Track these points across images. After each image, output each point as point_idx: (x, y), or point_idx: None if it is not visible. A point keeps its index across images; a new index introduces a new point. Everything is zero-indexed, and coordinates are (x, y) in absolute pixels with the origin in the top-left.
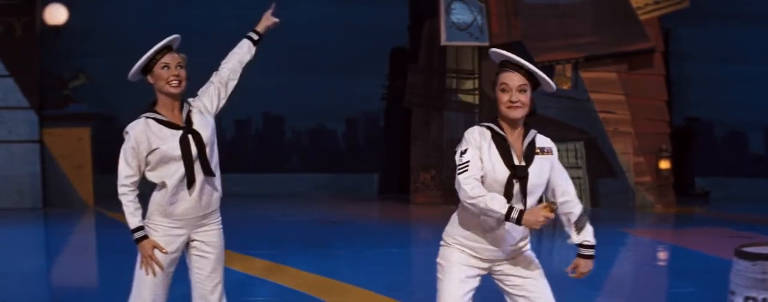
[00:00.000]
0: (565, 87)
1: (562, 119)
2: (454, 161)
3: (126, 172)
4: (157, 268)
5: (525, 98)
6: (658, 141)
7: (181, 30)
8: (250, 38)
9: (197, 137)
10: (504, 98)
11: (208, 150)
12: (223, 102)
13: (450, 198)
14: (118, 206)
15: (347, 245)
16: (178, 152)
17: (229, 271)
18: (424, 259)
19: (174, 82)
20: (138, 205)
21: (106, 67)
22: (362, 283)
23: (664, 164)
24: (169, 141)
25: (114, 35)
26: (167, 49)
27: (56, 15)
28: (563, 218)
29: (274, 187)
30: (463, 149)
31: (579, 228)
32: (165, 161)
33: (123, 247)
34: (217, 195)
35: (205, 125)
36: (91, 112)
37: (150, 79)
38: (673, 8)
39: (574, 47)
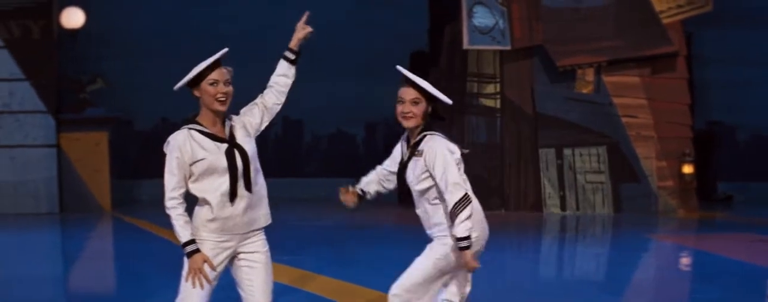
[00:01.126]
0: (585, 91)
1: (584, 123)
2: (475, 164)
3: (172, 184)
4: (204, 281)
5: (417, 109)
6: (681, 145)
7: (200, 34)
8: (286, 58)
9: (242, 152)
10: (398, 109)
11: (252, 166)
12: (264, 125)
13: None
14: (136, 211)
15: (369, 250)
16: (224, 164)
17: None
18: None
19: (222, 98)
20: (187, 218)
21: (124, 70)
22: (386, 289)
23: (687, 169)
24: (215, 153)
25: (131, 39)
26: (216, 63)
27: (73, 18)
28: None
29: (293, 191)
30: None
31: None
32: (209, 173)
33: (141, 253)
34: (263, 213)
35: (247, 142)
36: (108, 116)
37: (196, 92)
38: (695, 12)
39: (596, 51)
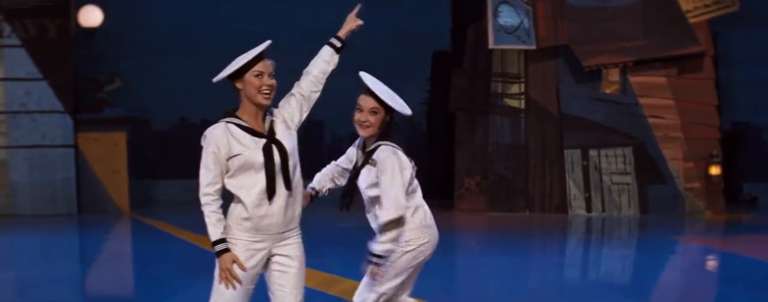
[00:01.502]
0: (610, 91)
1: (610, 124)
2: (499, 165)
3: (208, 179)
4: (236, 284)
5: (374, 118)
6: (708, 146)
7: (219, 32)
8: (331, 45)
9: (281, 148)
10: (356, 116)
11: (291, 162)
12: (305, 115)
13: (496, 205)
14: (154, 212)
15: None
16: (260, 160)
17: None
18: (471, 268)
19: (266, 91)
20: (221, 216)
21: (142, 70)
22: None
23: (715, 170)
24: (252, 148)
25: (149, 37)
26: (261, 55)
27: (91, 17)
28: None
29: None
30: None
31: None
32: (245, 169)
33: (160, 255)
34: (299, 211)
35: (288, 137)
36: (126, 116)
37: (238, 84)
38: (722, 11)
39: (622, 51)
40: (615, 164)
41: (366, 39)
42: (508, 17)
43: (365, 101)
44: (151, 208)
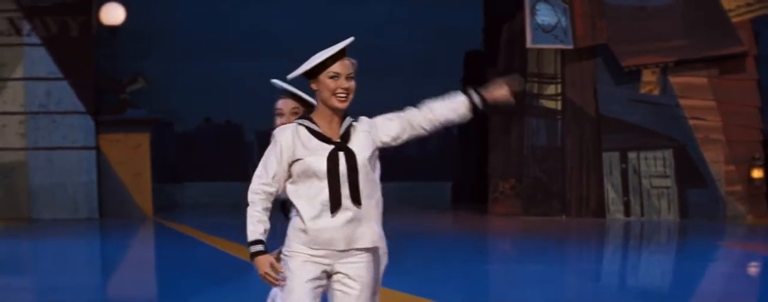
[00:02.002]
0: (650, 92)
1: (649, 125)
2: (534, 168)
3: (262, 178)
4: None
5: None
6: (750, 149)
7: (245, 31)
8: (469, 97)
9: (350, 156)
10: (278, 122)
11: (361, 176)
12: (399, 142)
13: (531, 209)
14: (178, 216)
15: (424, 260)
16: (323, 168)
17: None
18: (505, 276)
19: (341, 95)
20: (264, 217)
21: (165, 69)
22: (443, 298)
23: (757, 173)
24: (316, 154)
25: (173, 36)
26: (341, 53)
27: (113, 15)
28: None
29: None
30: None
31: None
32: (307, 175)
33: (184, 261)
34: (371, 232)
35: (364, 147)
36: (150, 117)
37: (313, 85)
38: (765, 10)
39: (662, 51)
40: (654, 167)
41: (397, 39)
42: (545, 16)
43: (284, 104)
44: (175, 212)
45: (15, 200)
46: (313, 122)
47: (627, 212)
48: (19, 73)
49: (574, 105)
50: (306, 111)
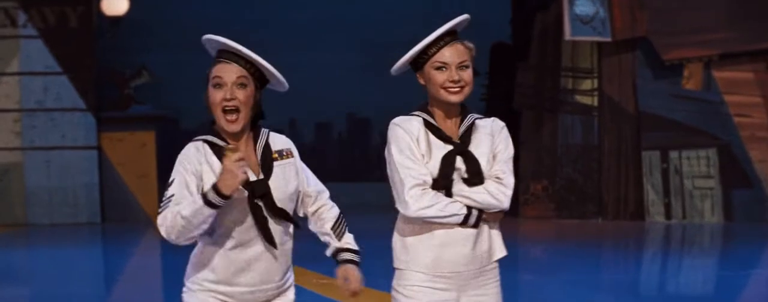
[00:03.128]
0: (693, 87)
1: (692, 123)
2: (568, 168)
3: (417, 169)
4: None
5: (243, 94)
6: None
7: (256, 22)
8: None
9: (471, 161)
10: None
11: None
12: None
13: (565, 211)
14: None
15: None
16: (433, 172)
17: (317, 297)
18: (542, 285)
19: (453, 89)
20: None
21: (172, 63)
22: None
23: None
24: (436, 154)
25: (180, 27)
26: (449, 36)
27: (115, 4)
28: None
29: (358, 198)
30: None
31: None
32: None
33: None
34: (496, 245)
35: (487, 154)
36: (155, 114)
37: (420, 79)
38: None
39: (706, 44)
40: (697, 166)
41: (419, 31)
42: (583, 6)
43: (226, 71)
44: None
45: (10, 204)
46: (433, 117)
47: (668, 214)
48: (14, 67)
49: (611, 101)
50: (424, 103)
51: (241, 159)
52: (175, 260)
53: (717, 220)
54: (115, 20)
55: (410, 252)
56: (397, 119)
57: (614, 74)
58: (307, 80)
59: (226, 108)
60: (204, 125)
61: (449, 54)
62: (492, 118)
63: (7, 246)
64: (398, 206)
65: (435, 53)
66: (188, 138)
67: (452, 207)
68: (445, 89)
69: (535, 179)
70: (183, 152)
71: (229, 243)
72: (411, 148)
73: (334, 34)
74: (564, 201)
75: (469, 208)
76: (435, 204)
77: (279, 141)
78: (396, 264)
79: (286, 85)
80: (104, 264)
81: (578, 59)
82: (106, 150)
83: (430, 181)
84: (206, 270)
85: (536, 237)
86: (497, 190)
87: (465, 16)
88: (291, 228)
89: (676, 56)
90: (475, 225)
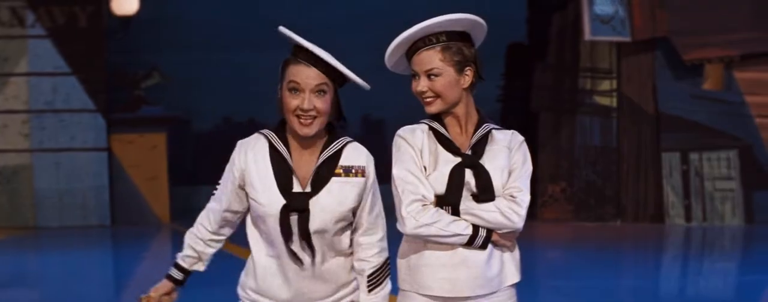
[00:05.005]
0: (714, 88)
1: (712, 124)
2: (587, 170)
3: (418, 184)
4: None
5: (321, 102)
6: None
7: (268, 23)
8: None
9: (481, 174)
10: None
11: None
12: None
13: (583, 214)
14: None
15: None
16: (441, 187)
17: None
18: (562, 289)
19: (425, 99)
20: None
21: (183, 63)
22: None
23: None
24: (443, 167)
25: (191, 27)
26: (421, 42)
27: (126, 4)
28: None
29: None
30: None
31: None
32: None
33: (205, 274)
34: (506, 263)
35: (501, 170)
36: (166, 115)
37: None
38: None
39: (728, 44)
40: (718, 168)
41: None
42: (603, 5)
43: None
44: (193, 218)
45: (19, 206)
46: (444, 126)
47: (688, 217)
48: (22, 68)
49: (630, 102)
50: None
51: None
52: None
53: (738, 222)
54: (126, 20)
55: (413, 274)
56: (402, 130)
57: (633, 75)
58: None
59: (300, 116)
60: (217, 127)
61: (418, 61)
62: (512, 131)
63: (16, 248)
64: (397, 224)
65: (409, 61)
66: (199, 140)
67: (456, 226)
68: (419, 98)
69: (553, 181)
70: (244, 141)
71: (270, 251)
72: (413, 161)
73: (348, 34)
74: (582, 203)
75: (476, 228)
76: (436, 222)
77: (355, 155)
78: (400, 285)
79: (367, 85)
80: (114, 268)
81: (597, 60)
82: (116, 152)
83: (431, 198)
84: (249, 277)
85: (554, 239)
86: (509, 209)
87: (442, 18)
88: (344, 246)
89: (697, 56)
90: (483, 247)
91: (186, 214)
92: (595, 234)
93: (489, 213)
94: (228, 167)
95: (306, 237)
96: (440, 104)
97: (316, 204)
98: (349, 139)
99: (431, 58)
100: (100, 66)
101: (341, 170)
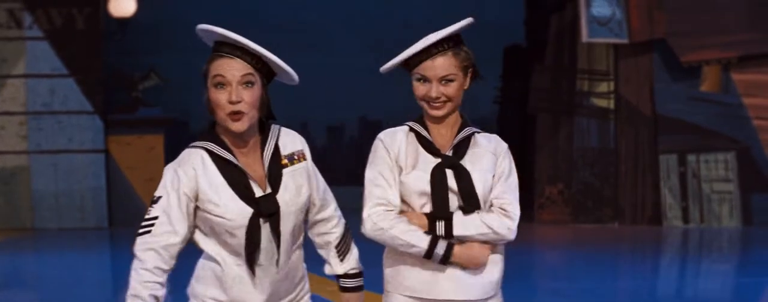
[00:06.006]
0: (711, 90)
1: (710, 126)
2: (584, 172)
3: (385, 189)
4: None
5: (249, 95)
6: None
7: (268, 24)
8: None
9: (462, 176)
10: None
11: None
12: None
13: (581, 216)
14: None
15: None
16: (427, 186)
17: None
18: (560, 291)
19: (435, 104)
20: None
21: (180, 65)
22: None
23: None
24: (418, 169)
25: (189, 29)
26: (436, 47)
27: (123, 5)
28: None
29: None
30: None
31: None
32: (407, 196)
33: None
34: (493, 278)
35: (484, 172)
36: (164, 117)
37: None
38: None
39: (725, 46)
40: (715, 170)
41: (430, 30)
42: (600, 7)
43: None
44: None
45: (16, 208)
46: (426, 129)
47: (685, 219)
48: (20, 69)
49: (628, 104)
50: (419, 116)
51: None
52: (183, 266)
53: (735, 224)
54: (123, 22)
55: (395, 274)
56: (383, 133)
57: (631, 76)
58: (318, 82)
59: (232, 112)
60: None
61: (431, 66)
62: (494, 135)
63: (13, 250)
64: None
65: (417, 64)
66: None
67: (412, 235)
68: (426, 102)
69: (550, 183)
70: (177, 160)
71: (238, 260)
72: (387, 165)
73: (345, 35)
74: (580, 205)
75: (435, 241)
76: (392, 228)
77: (289, 141)
78: (384, 285)
79: (296, 78)
80: (111, 269)
81: (594, 61)
82: (113, 154)
83: (397, 204)
84: (210, 286)
85: (552, 241)
86: (501, 225)
87: (463, 22)
88: (300, 240)
89: (695, 58)
90: (443, 262)
91: None
92: (592, 235)
93: (481, 228)
94: (163, 196)
95: (278, 239)
96: (450, 107)
97: (282, 202)
98: (277, 125)
99: (446, 64)
100: (98, 68)
101: (286, 160)
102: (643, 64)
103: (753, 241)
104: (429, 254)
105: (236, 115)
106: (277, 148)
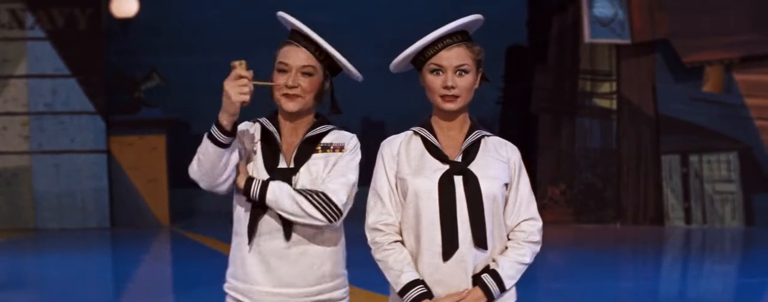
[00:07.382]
0: (714, 90)
1: (712, 126)
2: (587, 172)
3: (383, 207)
4: None
5: (307, 82)
6: None
7: (270, 24)
8: None
9: (472, 182)
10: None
11: (487, 213)
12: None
13: (583, 216)
14: (197, 225)
15: None
16: (434, 194)
17: None
18: (561, 293)
19: (448, 96)
20: (401, 256)
21: (183, 66)
22: None
23: None
24: (426, 175)
25: (191, 29)
26: (450, 38)
27: (125, 6)
28: None
29: None
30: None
31: None
32: (413, 203)
33: (205, 277)
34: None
35: (496, 178)
36: (166, 117)
37: (422, 81)
38: None
39: (727, 46)
40: (718, 171)
41: (432, 31)
42: (602, 8)
43: (293, 56)
44: (193, 221)
45: (18, 209)
46: (432, 132)
47: (688, 219)
48: (22, 70)
49: (630, 104)
50: (427, 117)
51: (242, 77)
52: (186, 266)
53: (738, 225)
54: (125, 22)
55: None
56: (385, 141)
57: (633, 77)
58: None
59: (287, 94)
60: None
61: (447, 56)
62: (505, 140)
63: (15, 250)
64: None
65: (432, 55)
66: (199, 142)
67: (390, 274)
68: (440, 96)
69: (553, 184)
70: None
71: (243, 229)
72: (385, 178)
73: (349, 35)
74: (582, 206)
75: (412, 284)
76: (380, 261)
77: (338, 137)
78: (390, 293)
79: (358, 75)
80: (113, 270)
81: (597, 62)
82: (115, 154)
83: (393, 222)
84: (231, 264)
85: (554, 242)
86: (532, 252)
87: (475, 16)
88: (324, 234)
89: (697, 59)
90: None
91: (186, 216)
92: (594, 236)
93: (522, 267)
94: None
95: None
96: (461, 102)
97: (300, 180)
98: (336, 127)
99: (462, 54)
100: (100, 68)
101: (320, 148)
102: (645, 64)
103: (755, 242)
104: (402, 293)
105: (289, 96)
106: (319, 137)
